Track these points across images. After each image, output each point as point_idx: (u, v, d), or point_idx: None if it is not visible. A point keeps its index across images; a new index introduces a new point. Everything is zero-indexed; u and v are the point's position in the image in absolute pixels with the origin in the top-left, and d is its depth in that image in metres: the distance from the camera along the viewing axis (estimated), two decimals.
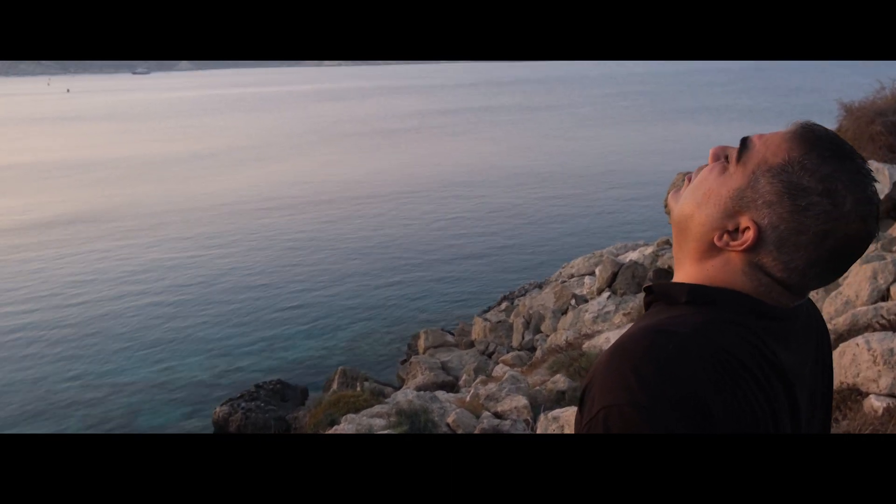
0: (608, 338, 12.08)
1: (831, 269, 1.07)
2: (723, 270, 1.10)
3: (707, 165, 1.16)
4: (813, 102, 70.63)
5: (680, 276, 1.17)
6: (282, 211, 32.59)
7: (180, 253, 26.56)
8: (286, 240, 28.28)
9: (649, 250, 21.16)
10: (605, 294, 18.25)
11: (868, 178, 1.07)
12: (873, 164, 9.70)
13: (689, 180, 1.19)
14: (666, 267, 19.23)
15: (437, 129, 64.13)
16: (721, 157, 1.14)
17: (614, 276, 19.04)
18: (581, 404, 1.06)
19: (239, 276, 24.08)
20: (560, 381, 9.35)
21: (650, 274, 19.37)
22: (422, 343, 18.67)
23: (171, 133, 65.01)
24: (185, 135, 62.96)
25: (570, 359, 11.50)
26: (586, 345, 12.13)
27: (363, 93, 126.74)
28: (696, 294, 1.09)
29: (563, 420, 3.39)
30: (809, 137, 1.06)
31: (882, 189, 9.35)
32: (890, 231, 8.72)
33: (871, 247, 7.73)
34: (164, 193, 36.83)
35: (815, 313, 1.22)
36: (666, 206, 12.65)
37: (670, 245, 20.84)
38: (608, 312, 17.09)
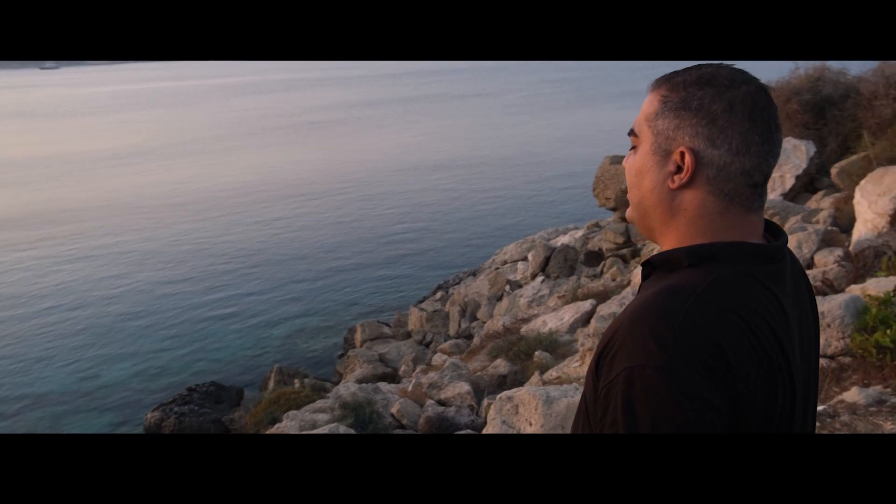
0: (545, 321, 12.21)
1: (764, 129, 1.13)
2: (694, 206, 1.15)
3: (627, 166, 1.28)
4: None
5: (668, 247, 1.21)
6: (209, 211, 31.74)
7: (103, 255, 25.54)
8: (214, 240, 27.55)
9: (580, 233, 21.53)
10: (539, 278, 18.46)
11: (717, 65, 1.18)
12: (791, 141, 10.06)
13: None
14: (597, 249, 19.63)
15: (362, 120, 63.60)
16: (629, 152, 1.28)
17: (547, 260, 19.28)
18: (597, 368, 1.10)
19: (166, 279, 23.33)
20: (501, 366, 9.39)
21: (581, 256, 19.73)
22: (358, 336, 18.51)
23: (87, 130, 62.42)
24: (102, 132, 60.58)
25: (509, 343, 11.59)
26: (524, 329, 12.24)
27: (285, 84, 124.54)
28: (696, 254, 1.13)
29: (517, 399, 3.38)
30: (661, 79, 1.23)
31: (799, 164, 9.71)
32: (808, 203, 9.06)
33: (793, 218, 8.02)
34: (86, 195, 35.33)
35: (796, 262, 1.26)
36: (595, 193, 12.83)
37: (600, 227, 21.25)
38: (543, 296, 17.30)
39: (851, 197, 7.38)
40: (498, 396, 3.77)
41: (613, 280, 15.60)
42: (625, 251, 18.29)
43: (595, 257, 19.31)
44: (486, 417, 5.08)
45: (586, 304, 12.17)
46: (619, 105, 65.17)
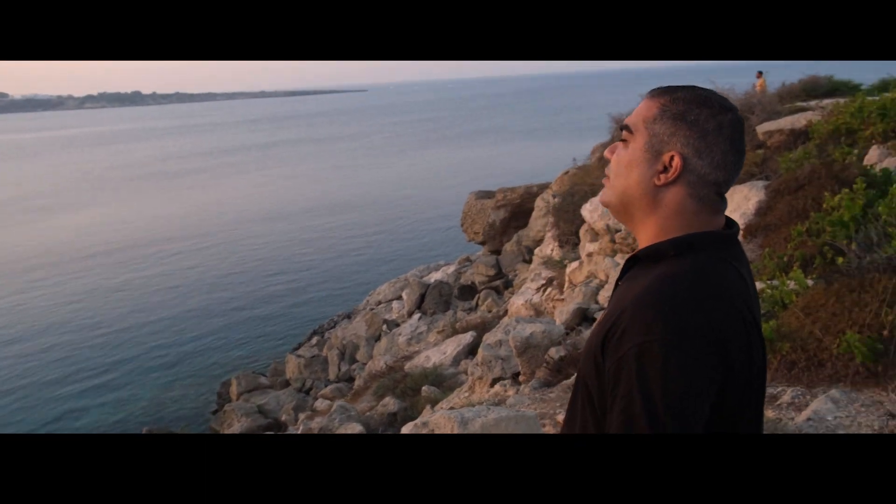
0: (427, 356, 12.26)
1: (738, 151, 1.34)
2: (674, 206, 1.33)
3: (613, 157, 1.41)
4: (582, 119, 77.58)
5: (646, 240, 1.37)
6: (56, 267, 29.51)
7: None
8: (63, 298, 25.62)
9: (452, 269, 21.88)
10: (416, 315, 18.53)
11: (709, 91, 1.38)
12: None
13: (608, 174, 1.43)
14: (469, 283, 20.02)
15: (221, 168, 61.82)
16: (617, 142, 1.41)
17: (422, 297, 19.42)
18: (602, 351, 1.26)
19: (22, 352, 21.38)
20: (390, 404, 9.31)
21: (455, 291, 20.04)
22: (234, 389, 17.72)
23: None
24: None
25: (394, 381, 11.51)
26: (407, 366, 12.21)
27: (133, 135, 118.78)
28: (678, 245, 1.30)
29: (432, 424, 3.37)
30: (660, 90, 1.38)
31: None
32: None
33: None
34: None
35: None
36: (464, 228, 13.10)
37: (471, 262, 21.74)
38: (421, 333, 17.35)
39: None
40: (412, 424, 3.76)
41: (489, 311, 15.94)
42: (497, 283, 18.78)
43: (469, 291, 19.68)
44: None
45: (467, 337, 12.35)
46: (477, 143, 67.37)
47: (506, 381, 6.97)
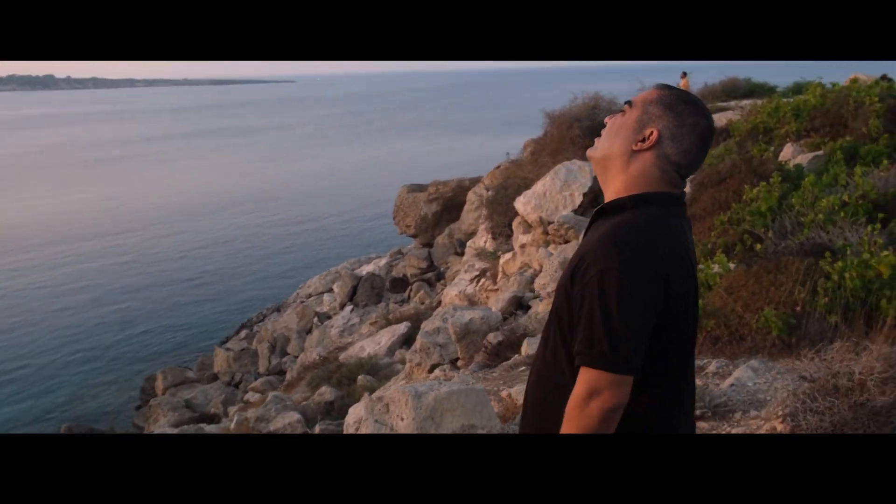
0: (362, 346, 12.34)
1: (702, 149, 1.69)
2: (641, 169, 1.66)
3: (609, 121, 1.77)
4: (514, 113, 78.55)
5: (611, 193, 1.70)
6: None
7: None
8: None
9: (383, 261, 21.93)
10: (348, 307, 18.53)
11: (699, 100, 1.74)
12: (576, 163, 11.17)
13: (601, 134, 1.78)
14: (401, 275, 20.14)
15: (143, 157, 59.81)
16: (617, 112, 1.77)
17: (354, 289, 19.42)
18: (571, 281, 1.59)
19: None
20: (327, 393, 9.37)
21: (387, 283, 20.13)
22: (160, 384, 17.31)
23: None
24: None
25: (329, 372, 11.55)
26: (342, 356, 12.26)
27: (46, 121, 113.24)
28: (636, 200, 1.64)
29: (388, 399, 3.52)
30: (663, 85, 1.75)
31: (585, 183, 10.81)
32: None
33: (572, 233, 8.91)
34: None
35: None
36: (396, 221, 13.18)
37: (403, 254, 21.85)
38: (354, 325, 17.37)
39: None
40: (368, 398, 3.89)
41: (422, 303, 16.10)
42: (429, 275, 18.96)
43: (401, 283, 19.79)
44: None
45: (402, 327, 12.49)
46: (410, 137, 67.37)
47: (445, 367, 7.16)
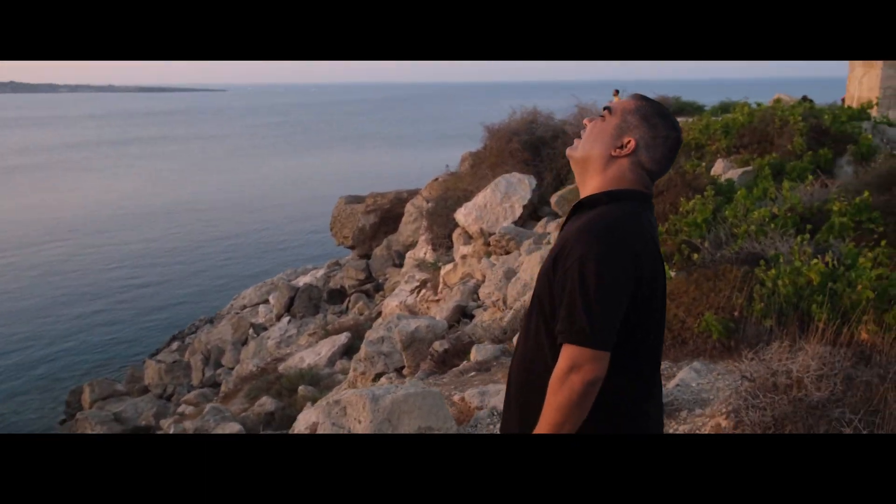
0: (302, 357, 12.21)
1: (671, 159, 1.88)
2: (618, 172, 1.84)
3: (589, 125, 1.92)
4: (450, 127, 79.08)
5: (589, 190, 1.86)
6: None
7: None
8: None
9: (321, 273, 21.75)
10: (286, 319, 18.29)
11: (670, 112, 1.92)
12: (515, 176, 11.39)
13: (580, 137, 1.93)
14: (339, 287, 20.01)
15: (66, 164, 57.66)
16: (597, 116, 1.93)
17: (291, 300, 19.18)
18: (554, 267, 1.75)
19: None
20: (267, 403, 9.25)
21: (325, 295, 19.97)
22: (86, 397, 16.68)
23: None
24: None
25: (268, 383, 11.39)
26: (281, 367, 12.11)
27: None
28: (611, 196, 1.82)
29: (345, 402, 3.54)
30: (641, 96, 1.92)
31: (524, 195, 11.03)
32: (536, 228, 10.33)
33: (527, 242, 9.10)
34: None
35: None
36: (333, 232, 13.14)
37: (340, 266, 21.72)
38: (291, 336, 17.15)
39: None
40: (325, 402, 3.90)
41: (361, 314, 16.04)
42: (368, 286, 18.90)
43: (339, 294, 19.66)
44: None
45: (342, 338, 12.43)
46: (345, 149, 66.99)
47: (391, 375, 7.19)
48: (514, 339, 5.85)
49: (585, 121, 1.95)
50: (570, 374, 1.64)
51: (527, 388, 1.82)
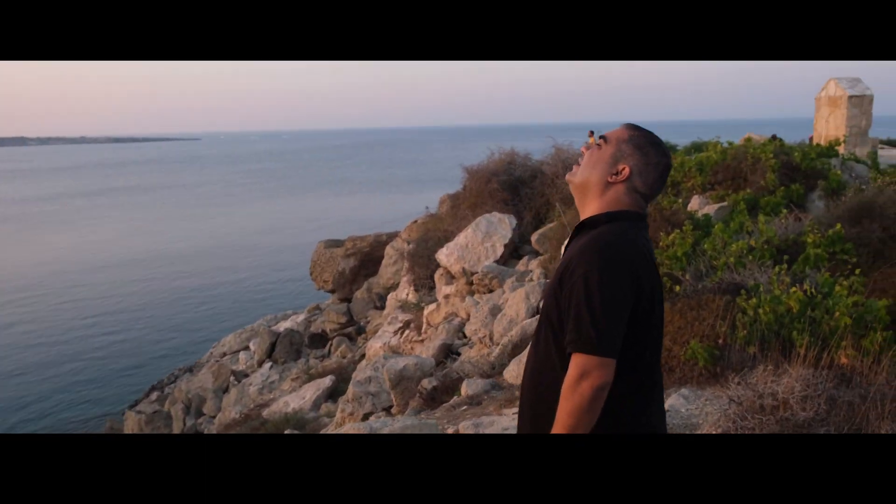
0: (286, 401, 12.12)
1: (662, 182, 2.07)
2: (614, 196, 2.02)
3: (588, 151, 2.09)
4: (424, 171, 79.70)
5: (589, 212, 2.04)
6: None
7: None
8: None
9: (301, 317, 21.66)
10: (267, 365, 18.13)
11: (660, 140, 2.10)
12: (496, 216, 11.58)
13: (578, 164, 2.11)
14: (320, 331, 19.94)
15: (39, 216, 57.16)
16: (593, 146, 2.10)
17: (273, 346, 19.05)
18: (560, 283, 1.92)
19: None
20: None
21: (306, 339, 19.87)
22: None
23: None
24: None
25: (252, 429, 11.27)
26: (266, 412, 12.00)
27: None
28: (610, 217, 1.99)
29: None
30: (632, 126, 2.10)
31: (505, 234, 11.21)
32: (517, 267, 10.47)
33: (509, 280, 9.23)
34: None
35: None
36: (313, 276, 13.13)
37: (321, 310, 21.66)
38: (273, 382, 17.01)
39: (555, 257, 8.80)
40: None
41: (344, 357, 15.99)
42: (349, 329, 18.85)
43: (320, 339, 19.57)
44: None
45: (326, 381, 12.37)
46: (320, 194, 67.17)
47: (379, 415, 7.20)
48: (504, 373, 5.93)
49: (583, 148, 2.15)
50: (581, 380, 1.77)
51: (537, 400, 1.96)
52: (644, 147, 2.02)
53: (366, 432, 3.54)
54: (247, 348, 20.64)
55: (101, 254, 39.28)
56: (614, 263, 1.83)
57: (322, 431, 9.11)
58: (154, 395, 20.02)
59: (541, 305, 2.08)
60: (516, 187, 12.20)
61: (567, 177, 2.11)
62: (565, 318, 1.86)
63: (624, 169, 2.00)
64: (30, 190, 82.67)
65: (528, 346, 2.14)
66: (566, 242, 2.07)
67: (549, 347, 1.94)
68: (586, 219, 2.03)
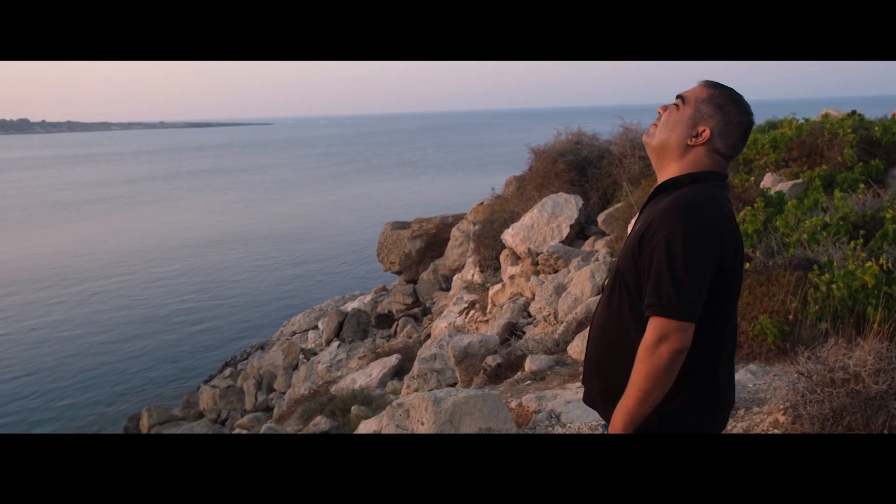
0: (354, 378, 12.40)
1: (744, 141, 2.02)
2: (695, 159, 1.98)
3: (665, 112, 2.03)
4: (489, 154, 79.59)
5: (668, 174, 2.01)
6: None
7: None
8: None
9: (368, 298, 22.03)
10: (335, 343, 18.56)
11: (742, 96, 2.02)
12: (562, 196, 11.49)
13: (656, 123, 2.05)
14: (387, 311, 20.25)
15: (124, 199, 59.60)
16: (671, 105, 2.04)
17: (341, 325, 19.47)
18: (640, 245, 1.88)
19: None
20: (322, 423, 9.42)
21: (373, 319, 20.21)
22: (145, 422, 17.17)
23: None
24: None
25: (321, 404, 11.59)
26: (333, 389, 12.31)
27: (22, 164, 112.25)
28: (693, 177, 1.96)
29: (408, 405, 3.68)
30: (711, 83, 2.01)
31: (571, 215, 11.12)
32: (583, 247, 10.39)
33: (575, 260, 9.18)
34: None
35: None
36: (380, 258, 13.32)
37: (387, 291, 21.98)
38: (340, 360, 17.40)
39: (621, 237, 8.70)
40: (390, 405, 4.05)
41: (409, 338, 16.22)
42: (415, 310, 19.09)
43: (386, 319, 19.89)
44: None
45: (392, 359, 12.59)
46: (390, 176, 67.83)
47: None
48: (568, 349, 5.93)
49: (659, 109, 2.07)
50: (659, 344, 1.75)
51: (608, 359, 1.97)
52: (725, 106, 1.95)
53: (429, 400, 3.61)
54: (315, 327, 21.15)
55: (178, 234, 40.76)
56: (698, 226, 1.79)
57: (386, 408, 9.31)
58: (227, 371, 20.77)
59: (614, 267, 2.03)
60: (583, 167, 12.05)
61: (644, 138, 2.07)
62: (643, 280, 1.85)
63: (704, 131, 1.95)
64: (114, 173, 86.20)
65: (596, 307, 2.10)
66: (643, 205, 2.04)
67: (622, 308, 1.93)
68: (666, 180, 1.99)
